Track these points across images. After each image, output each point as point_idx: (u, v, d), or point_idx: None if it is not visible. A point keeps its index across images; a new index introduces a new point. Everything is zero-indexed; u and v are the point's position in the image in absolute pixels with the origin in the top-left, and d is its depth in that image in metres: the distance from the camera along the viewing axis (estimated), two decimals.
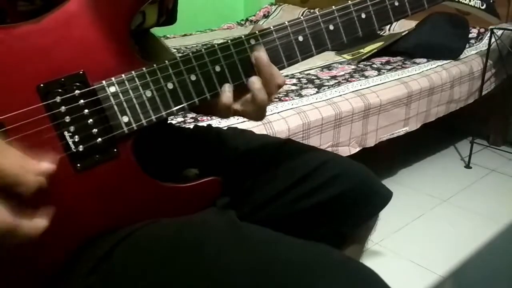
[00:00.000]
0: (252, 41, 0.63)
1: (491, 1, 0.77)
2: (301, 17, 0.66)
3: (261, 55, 0.62)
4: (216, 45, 0.62)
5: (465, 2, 0.74)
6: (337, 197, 0.74)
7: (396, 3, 0.68)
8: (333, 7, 0.66)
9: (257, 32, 0.64)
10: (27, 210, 0.48)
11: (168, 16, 0.78)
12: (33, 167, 0.48)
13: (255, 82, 0.62)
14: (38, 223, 0.49)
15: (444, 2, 0.73)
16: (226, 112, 0.63)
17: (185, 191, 0.64)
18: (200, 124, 1.15)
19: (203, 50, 0.62)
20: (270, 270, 0.50)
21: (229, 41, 0.63)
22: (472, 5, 0.75)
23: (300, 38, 0.65)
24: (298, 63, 0.67)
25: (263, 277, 0.50)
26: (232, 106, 0.63)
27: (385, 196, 0.79)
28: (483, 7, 0.76)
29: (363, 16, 0.67)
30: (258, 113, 0.64)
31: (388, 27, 2.66)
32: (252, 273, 0.51)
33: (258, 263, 0.51)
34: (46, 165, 0.50)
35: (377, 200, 0.79)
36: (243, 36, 0.63)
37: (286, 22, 0.65)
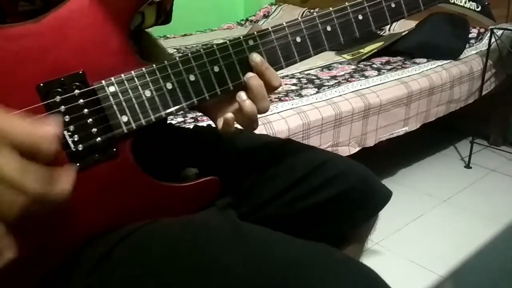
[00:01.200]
0: (251, 42, 0.64)
1: (486, 3, 0.78)
2: (299, 18, 0.66)
3: (257, 60, 0.63)
4: (215, 46, 0.63)
5: (460, 4, 0.75)
6: (337, 197, 0.74)
7: (393, 5, 0.69)
8: (331, 8, 0.67)
9: (255, 33, 0.64)
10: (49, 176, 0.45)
11: (166, 17, 0.78)
12: (44, 122, 0.45)
13: (240, 95, 0.63)
14: (65, 186, 0.46)
15: (440, 3, 0.74)
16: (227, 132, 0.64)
17: (184, 191, 0.64)
18: (200, 124, 1.15)
19: (202, 50, 0.62)
20: (270, 270, 0.50)
21: (228, 41, 0.63)
22: (468, 7, 0.76)
23: (298, 39, 0.66)
24: (298, 63, 0.67)
25: (263, 277, 0.50)
26: (225, 116, 0.63)
27: (385, 196, 0.79)
28: (479, 9, 0.76)
29: (360, 17, 0.68)
30: (249, 124, 0.64)
31: (388, 27, 2.66)
32: (252, 272, 0.51)
33: (258, 263, 0.51)
34: (54, 117, 0.48)
35: (377, 200, 0.79)
36: (241, 37, 0.64)
37: (284, 23, 0.65)
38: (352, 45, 2.37)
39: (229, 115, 0.63)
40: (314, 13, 0.67)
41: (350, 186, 0.75)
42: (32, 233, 0.53)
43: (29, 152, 0.43)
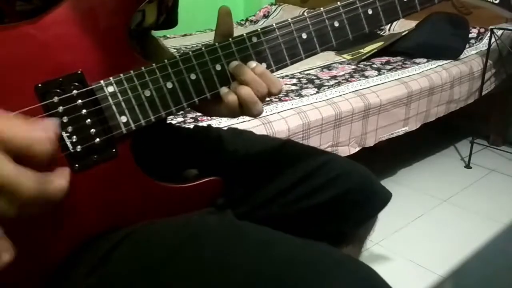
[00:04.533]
0: (254, 39, 0.62)
1: None
2: (305, 14, 0.64)
3: (256, 68, 0.62)
4: (217, 44, 0.62)
5: None
6: (337, 197, 0.74)
7: None
8: (338, 3, 0.64)
9: (259, 29, 0.63)
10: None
11: (168, 15, 0.77)
12: (40, 124, 0.45)
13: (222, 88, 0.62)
14: (62, 183, 0.46)
15: None
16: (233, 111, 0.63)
17: (185, 191, 0.63)
18: (200, 124, 1.15)
19: (203, 48, 0.61)
20: (270, 269, 0.50)
21: (230, 39, 0.62)
22: None
23: (304, 36, 0.64)
24: (298, 63, 0.66)
25: (262, 277, 0.50)
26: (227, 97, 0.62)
27: (385, 198, 0.79)
28: (497, 2, 0.74)
29: (370, 12, 0.65)
30: (247, 109, 0.63)
31: (388, 27, 2.66)
32: (251, 272, 0.50)
33: (257, 262, 0.51)
34: (50, 119, 0.46)
35: (376, 201, 0.79)
36: (244, 34, 0.63)
37: (290, 19, 0.63)
38: (352, 45, 2.37)
39: (234, 97, 0.62)
40: (321, 9, 0.64)
41: (349, 187, 0.75)
42: (32, 233, 0.53)
43: (24, 154, 0.43)
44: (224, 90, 0.62)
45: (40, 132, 0.44)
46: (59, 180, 0.46)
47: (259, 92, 0.61)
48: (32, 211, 0.44)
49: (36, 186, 0.43)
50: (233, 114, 0.63)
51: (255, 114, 0.62)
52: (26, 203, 0.43)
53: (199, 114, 1.47)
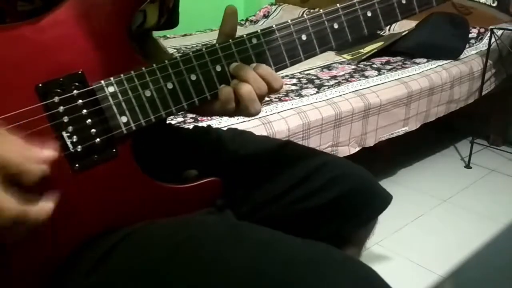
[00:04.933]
0: (254, 40, 0.63)
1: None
2: (305, 15, 0.65)
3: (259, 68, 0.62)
4: (217, 45, 0.62)
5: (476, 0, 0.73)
6: (336, 199, 0.74)
7: (404, 1, 0.66)
8: (338, 5, 0.65)
9: (259, 31, 0.63)
10: (31, 197, 0.48)
11: (169, 16, 0.77)
12: (36, 155, 0.48)
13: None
14: (45, 206, 0.49)
15: None
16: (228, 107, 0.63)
17: (185, 192, 0.64)
18: (200, 124, 1.15)
19: (203, 49, 0.61)
20: (270, 270, 0.50)
21: (231, 40, 0.62)
22: (483, 2, 0.73)
23: (304, 37, 0.64)
24: (299, 63, 0.66)
25: (262, 277, 0.50)
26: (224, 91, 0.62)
27: (385, 200, 0.79)
28: (495, 5, 0.74)
29: (369, 14, 0.65)
30: (246, 107, 0.62)
31: (388, 27, 2.66)
32: (251, 272, 0.51)
33: (257, 263, 0.51)
34: (47, 152, 0.50)
35: (377, 203, 0.79)
36: (244, 35, 0.63)
37: (289, 21, 0.64)
38: (352, 45, 2.37)
39: (229, 89, 0.62)
40: (321, 11, 0.65)
41: (349, 189, 0.75)
42: (32, 233, 0.53)
43: (13, 176, 0.46)
44: (221, 86, 0.62)
45: (33, 163, 0.48)
46: (40, 207, 0.48)
47: (260, 90, 0.61)
48: (12, 230, 0.47)
49: (18, 207, 0.46)
50: (225, 109, 0.62)
51: (252, 113, 0.62)
52: (5, 221, 0.46)
53: (198, 115, 1.47)
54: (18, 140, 0.49)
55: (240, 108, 0.62)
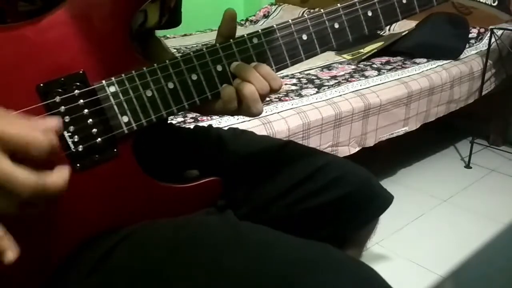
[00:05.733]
0: (255, 40, 0.63)
1: None
2: (306, 15, 0.65)
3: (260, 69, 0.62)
4: (217, 44, 0.62)
5: None
6: (337, 200, 0.74)
7: (404, 0, 0.67)
8: (338, 4, 0.65)
9: (259, 30, 0.63)
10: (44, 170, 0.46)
11: (171, 16, 0.77)
12: (40, 125, 0.46)
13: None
14: (62, 173, 0.47)
15: None
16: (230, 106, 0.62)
17: (185, 192, 0.64)
18: (200, 124, 1.15)
19: (204, 49, 0.61)
20: (270, 270, 0.50)
21: (231, 40, 0.62)
22: (483, 1, 0.73)
23: (304, 37, 0.64)
24: (299, 63, 0.66)
25: (263, 277, 0.50)
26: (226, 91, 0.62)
27: (386, 200, 0.79)
28: (495, 4, 0.74)
29: (370, 14, 0.66)
30: (247, 107, 0.62)
31: (388, 27, 2.66)
32: (251, 272, 0.51)
33: (258, 262, 0.51)
34: (52, 120, 0.48)
35: (378, 204, 0.78)
36: (245, 35, 0.63)
37: (290, 21, 0.64)
38: (352, 45, 2.37)
39: (230, 88, 0.61)
40: (321, 10, 0.65)
41: (350, 189, 0.75)
42: (33, 233, 0.53)
43: (21, 153, 0.44)
44: (223, 86, 0.62)
45: (38, 132, 0.45)
46: (57, 176, 0.46)
47: (262, 90, 0.61)
48: (32, 209, 0.45)
49: (33, 182, 0.44)
50: (227, 108, 0.62)
51: (254, 113, 0.62)
52: (24, 199, 0.44)
53: (199, 114, 1.47)
54: (18, 115, 0.48)
55: (242, 108, 0.62)
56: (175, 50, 2.41)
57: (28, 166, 0.45)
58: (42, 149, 0.45)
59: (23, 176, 0.44)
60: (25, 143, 0.44)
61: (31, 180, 0.44)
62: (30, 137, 0.44)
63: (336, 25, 0.65)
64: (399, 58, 2.27)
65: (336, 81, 1.92)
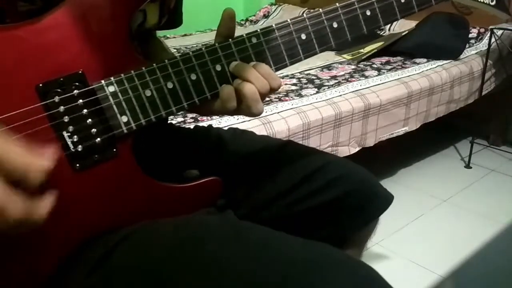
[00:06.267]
0: (254, 40, 0.63)
1: None
2: (304, 15, 0.65)
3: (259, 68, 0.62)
4: (216, 44, 0.62)
5: None
6: (338, 199, 0.74)
7: (402, 0, 0.67)
8: (337, 4, 0.65)
9: (258, 30, 0.63)
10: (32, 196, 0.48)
11: (171, 16, 0.77)
12: (39, 163, 0.48)
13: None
14: (47, 202, 0.49)
15: None
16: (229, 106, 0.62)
17: (185, 191, 0.64)
18: (200, 124, 1.15)
19: (203, 49, 0.61)
20: (271, 269, 0.50)
21: (230, 39, 0.62)
22: (481, 1, 0.73)
23: (303, 36, 0.64)
24: (298, 63, 0.66)
25: (263, 277, 0.50)
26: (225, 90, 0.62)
27: (386, 200, 0.79)
28: (493, 3, 0.74)
29: (368, 13, 0.65)
30: (247, 107, 0.62)
31: (388, 27, 2.66)
32: (252, 272, 0.50)
33: (258, 263, 0.51)
34: (49, 160, 0.49)
35: (378, 203, 0.78)
36: (244, 35, 0.63)
37: (289, 20, 0.64)
38: (352, 45, 2.37)
39: (229, 88, 0.61)
40: (320, 10, 0.65)
41: (350, 189, 0.75)
42: (33, 233, 0.53)
43: (18, 179, 0.46)
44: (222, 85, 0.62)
45: (37, 163, 0.47)
46: (41, 209, 0.48)
47: (263, 89, 0.61)
48: (12, 231, 0.47)
49: (20, 212, 0.46)
50: (226, 108, 0.62)
51: (255, 113, 0.62)
52: (8, 225, 0.46)
53: (198, 114, 1.47)
54: (20, 144, 0.49)
55: (242, 108, 0.62)
56: (175, 50, 2.41)
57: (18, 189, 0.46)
58: (37, 183, 0.47)
59: (13, 203, 0.46)
60: (25, 170, 0.46)
61: (20, 208, 0.46)
62: (30, 166, 0.46)
63: (335, 25, 0.65)
64: (399, 58, 2.27)
65: (336, 81, 1.92)
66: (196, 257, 0.54)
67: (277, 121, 1.50)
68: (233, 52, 0.62)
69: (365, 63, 2.19)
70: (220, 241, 0.55)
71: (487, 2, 0.73)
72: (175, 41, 2.74)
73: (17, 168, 0.46)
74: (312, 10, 0.66)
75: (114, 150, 0.58)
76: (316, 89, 1.81)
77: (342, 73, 2.04)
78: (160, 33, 0.82)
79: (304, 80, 1.93)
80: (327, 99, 1.69)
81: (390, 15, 0.67)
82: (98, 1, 0.57)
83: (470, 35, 2.41)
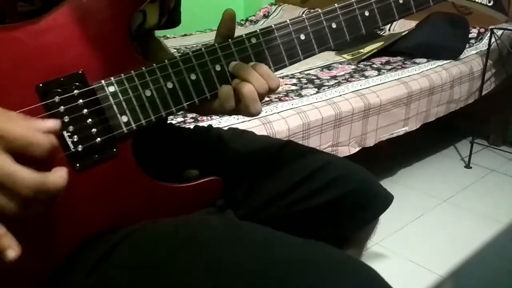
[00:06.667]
0: (253, 40, 0.63)
1: None
2: (303, 15, 0.65)
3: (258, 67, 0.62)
4: (216, 44, 0.62)
5: None
6: (338, 199, 0.74)
7: (401, 0, 0.67)
8: (336, 5, 0.65)
9: (258, 30, 0.63)
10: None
11: (170, 16, 0.77)
12: (40, 125, 0.47)
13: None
14: (61, 172, 0.48)
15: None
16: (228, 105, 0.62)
17: (185, 191, 0.64)
18: (200, 124, 1.15)
19: (203, 49, 0.61)
20: (271, 269, 0.50)
21: (230, 39, 0.62)
22: (479, 2, 0.73)
23: (302, 37, 0.64)
24: (298, 63, 0.66)
25: (263, 277, 0.50)
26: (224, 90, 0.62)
27: (386, 200, 0.79)
28: (490, 4, 0.74)
29: (367, 14, 0.66)
30: (246, 107, 0.62)
31: (388, 27, 2.66)
32: (252, 272, 0.50)
33: (258, 263, 0.51)
34: (51, 122, 0.49)
35: (378, 203, 0.78)
36: (243, 35, 0.63)
37: (288, 21, 0.64)
38: (352, 45, 2.37)
39: (228, 87, 0.61)
40: (319, 10, 0.65)
41: (350, 189, 0.75)
42: (33, 233, 0.53)
43: (23, 153, 0.45)
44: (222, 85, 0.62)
45: (39, 133, 0.46)
46: (57, 175, 0.47)
47: (262, 89, 0.61)
48: (33, 210, 0.46)
49: (34, 180, 0.45)
50: (224, 108, 0.62)
51: (253, 113, 0.62)
52: (25, 198, 0.45)
53: (198, 114, 1.47)
54: (19, 114, 0.48)
55: (240, 108, 0.62)
56: (175, 50, 2.41)
57: (29, 166, 0.45)
58: (43, 149, 0.46)
59: (24, 174, 0.45)
60: (27, 143, 0.45)
61: (32, 179, 0.45)
62: (32, 138, 0.45)
63: (334, 25, 0.65)
64: (399, 58, 2.27)
65: (336, 81, 1.92)
66: (196, 257, 0.54)
67: (277, 121, 1.50)
68: (232, 52, 0.62)
69: (365, 63, 2.19)
70: (220, 241, 0.55)
71: (484, 3, 0.73)
72: (175, 41, 2.74)
73: (21, 141, 0.45)
74: (312, 10, 0.66)
75: (114, 150, 0.58)
76: (316, 89, 1.81)
77: (342, 73, 2.04)
78: (160, 33, 0.82)
79: (304, 80, 1.93)
80: (327, 99, 1.69)
81: (388, 16, 0.67)
82: (98, 2, 0.57)
83: (470, 35, 2.41)
